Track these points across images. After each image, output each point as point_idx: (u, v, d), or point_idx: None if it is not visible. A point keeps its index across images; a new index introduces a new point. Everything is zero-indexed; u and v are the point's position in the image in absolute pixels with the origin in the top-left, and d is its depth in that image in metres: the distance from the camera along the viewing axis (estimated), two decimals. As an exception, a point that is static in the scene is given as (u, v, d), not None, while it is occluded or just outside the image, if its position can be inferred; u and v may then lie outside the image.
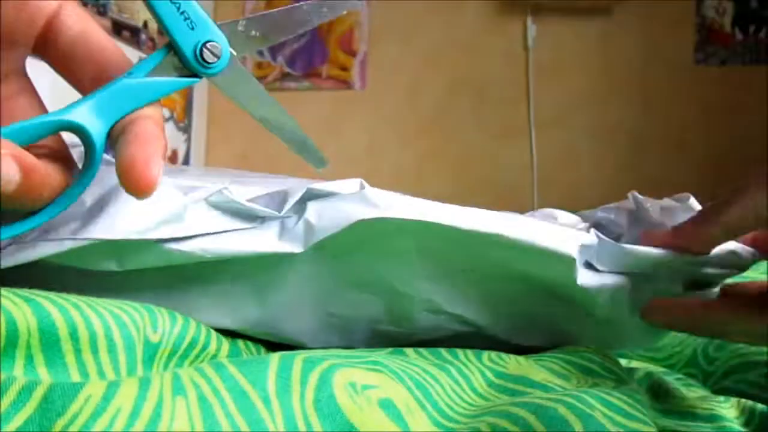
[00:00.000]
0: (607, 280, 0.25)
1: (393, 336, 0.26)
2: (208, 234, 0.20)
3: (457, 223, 0.22)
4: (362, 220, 0.21)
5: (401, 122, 1.74)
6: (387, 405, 0.16)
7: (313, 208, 0.21)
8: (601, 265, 0.25)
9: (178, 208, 0.20)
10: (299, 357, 0.16)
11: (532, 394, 0.20)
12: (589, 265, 0.25)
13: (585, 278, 0.24)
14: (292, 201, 0.21)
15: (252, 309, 0.23)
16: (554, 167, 1.66)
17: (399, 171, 1.69)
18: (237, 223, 0.21)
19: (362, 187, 0.22)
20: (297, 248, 0.21)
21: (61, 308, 0.15)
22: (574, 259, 0.23)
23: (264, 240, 0.21)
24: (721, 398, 0.26)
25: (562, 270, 0.24)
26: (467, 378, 0.21)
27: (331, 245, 0.22)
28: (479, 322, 0.26)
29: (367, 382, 0.17)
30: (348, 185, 0.22)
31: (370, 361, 0.18)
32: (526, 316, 0.27)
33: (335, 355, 0.18)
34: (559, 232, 0.24)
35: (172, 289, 0.22)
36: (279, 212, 0.21)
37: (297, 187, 0.22)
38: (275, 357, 0.16)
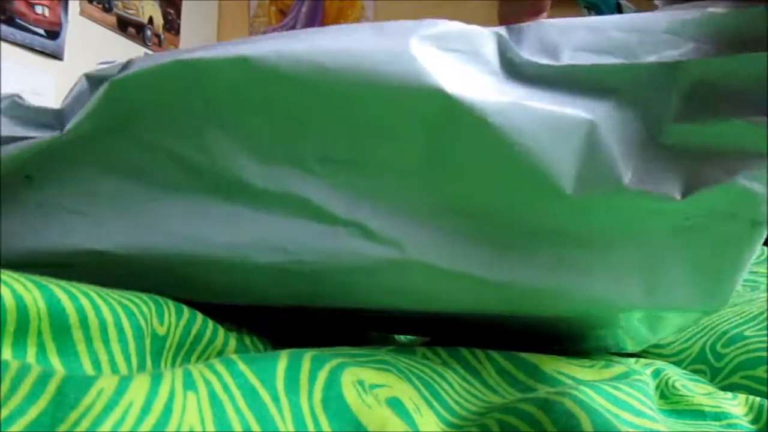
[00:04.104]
0: (545, 103, 0.16)
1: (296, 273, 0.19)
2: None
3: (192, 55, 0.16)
4: (112, 81, 0.18)
5: (407, 117, 1.73)
6: (395, 404, 0.16)
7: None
8: (530, 51, 0.16)
9: None
10: (308, 355, 0.17)
11: (541, 390, 0.20)
12: (510, 71, 0.16)
13: (473, 87, 0.15)
14: (71, 94, 0.20)
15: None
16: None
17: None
18: (35, 131, 0.19)
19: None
20: (53, 134, 0.19)
21: (71, 295, 0.16)
22: (409, 55, 0.15)
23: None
24: (729, 395, 0.26)
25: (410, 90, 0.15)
26: (477, 372, 0.21)
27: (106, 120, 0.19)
28: (386, 230, 0.18)
29: (375, 381, 0.17)
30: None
31: (378, 359, 0.19)
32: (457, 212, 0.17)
33: (343, 354, 0.18)
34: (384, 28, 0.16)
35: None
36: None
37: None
38: (284, 354, 0.16)
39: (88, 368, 0.16)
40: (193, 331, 0.19)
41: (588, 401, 0.17)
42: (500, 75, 0.17)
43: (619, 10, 0.23)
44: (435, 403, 0.18)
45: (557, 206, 0.17)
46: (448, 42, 0.17)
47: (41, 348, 0.15)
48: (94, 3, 1.38)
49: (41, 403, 0.12)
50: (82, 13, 1.35)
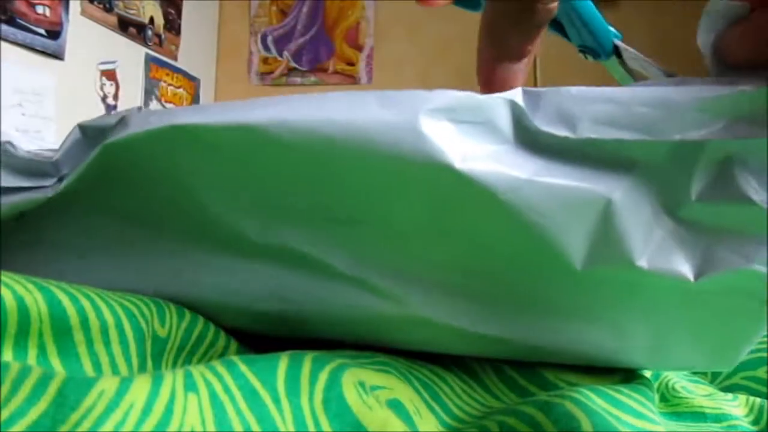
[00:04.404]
0: (559, 178, 0.15)
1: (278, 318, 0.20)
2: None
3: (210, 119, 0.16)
4: (105, 145, 0.18)
5: (408, 117, 1.74)
6: (395, 405, 0.17)
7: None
8: (546, 121, 0.16)
9: None
10: (309, 356, 0.17)
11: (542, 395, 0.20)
12: (525, 141, 0.16)
13: (484, 161, 0.15)
14: (65, 144, 0.19)
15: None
16: (562, 162, 1.65)
17: (405, 166, 1.68)
18: (30, 181, 0.19)
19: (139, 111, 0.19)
20: (47, 183, 0.19)
21: (72, 297, 0.16)
22: (418, 129, 0.15)
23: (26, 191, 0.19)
24: (730, 396, 0.26)
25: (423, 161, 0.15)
26: (478, 377, 0.21)
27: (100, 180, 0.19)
28: (388, 287, 0.18)
29: (375, 382, 0.17)
30: (121, 113, 0.19)
31: (379, 361, 0.19)
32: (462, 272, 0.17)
33: (344, 355, 0.18)
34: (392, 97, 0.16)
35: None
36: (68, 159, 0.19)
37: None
38: (285, 356, 0.16)
39: (89, 370, 0.16)
40: (195, 334, 0.19)
41: (589, 403, 0.17)
42: (513, 144, 0.16)
43: (617, 52, 0.23)
44: (435, 406, 0.18)
45: (564, 278, 0.17)
46: (459, 113, 0.16)
47: (42, 349, 0.15)
48: (95, 3, 1.38)
49: (42, 405, 0.13)
50: (83, 13, 1.35)
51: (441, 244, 0.17)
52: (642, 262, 0.16)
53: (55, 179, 0.20)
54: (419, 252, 0.18)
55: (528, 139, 0.16)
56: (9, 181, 0.20)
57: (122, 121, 0.18)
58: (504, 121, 0.16)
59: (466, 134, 0.16)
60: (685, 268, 0.16)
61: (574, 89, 0.16)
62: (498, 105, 0.16)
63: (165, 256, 0.20)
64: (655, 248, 0.16)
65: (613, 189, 0.16)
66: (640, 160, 0.16)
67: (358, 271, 0.18)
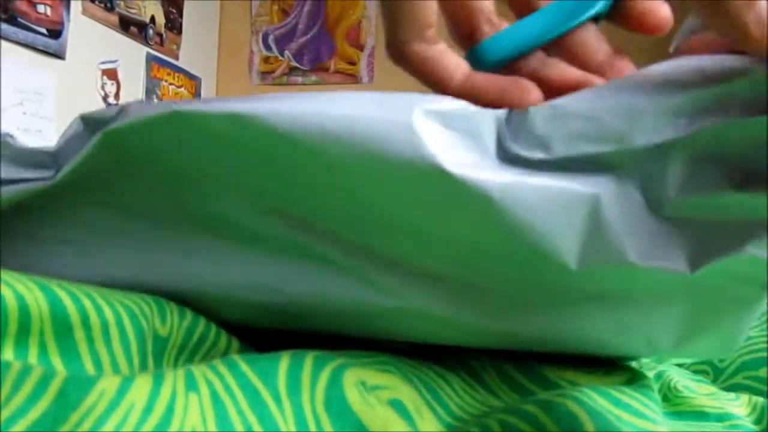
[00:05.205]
0: (546, 180, 0.16)
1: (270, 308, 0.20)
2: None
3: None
4: (106, 132, 0.18)
5: (409, 116, 1.73)
6: (396, 405, 0.16)
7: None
8: (523, 146, 0.17)
9: None
10: (310, 356, 0.17)
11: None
12: (505, 159, 0.17)
13: (473, 169, 0.16)
14: (66, 135, 0.20)
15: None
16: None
17: (406, 165, 1.68)
18: (30, 172, 0.19)
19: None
20: (47, 174, 0.19)
21: (73, 295, 0.16)
22: (412, 130, 0.15)
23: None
24: (732, 395, 0.26)
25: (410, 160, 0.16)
26: (480, 377, 0.21)
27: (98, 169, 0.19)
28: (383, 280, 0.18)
29: (377, 382, 0.17)
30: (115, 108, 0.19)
31: (380, 361, 0.19)
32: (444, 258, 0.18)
33: (345, 355, 0.18)
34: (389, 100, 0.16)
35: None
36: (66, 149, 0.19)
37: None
38: (286, 355, 0.16)
39: (90, 368, 0.16)
40: (197, 333, 0.19)
41: (590, 402, 0.17)
42: (495, 159, 0.17)
43: None
44: (437, 407, 0.18)
45: (560, 277, 0.17)
46: (451, 120, 0.17)
47: (43, 348, 0.15)
48: (96, 2, 1.38)
49: (43, 404, 0.13)
50: (84, 12, 1.35)
51: (433, 242, 0.18)
52: (634, 258, 0.16)
53: (54, 170, 0.20)
54: (412, 247, 0.18)
55: (508, 158, 0.17)
56: (9, 172, 0.20)
57: (123, 111, 0.18)
58: (489, 137, 0.17)
59: (455, 140, 0.17)
60: (679, 262, 0.17)
61: (548, 109, 0.17)
62: (486, 119, 0.17)
63: (164, 248, 0.20)
64: (646, 245, 0.17)
65: (598, 188, 0.17)
66: (617, 164, 0.17)
67: (354, 260, 0.18)
